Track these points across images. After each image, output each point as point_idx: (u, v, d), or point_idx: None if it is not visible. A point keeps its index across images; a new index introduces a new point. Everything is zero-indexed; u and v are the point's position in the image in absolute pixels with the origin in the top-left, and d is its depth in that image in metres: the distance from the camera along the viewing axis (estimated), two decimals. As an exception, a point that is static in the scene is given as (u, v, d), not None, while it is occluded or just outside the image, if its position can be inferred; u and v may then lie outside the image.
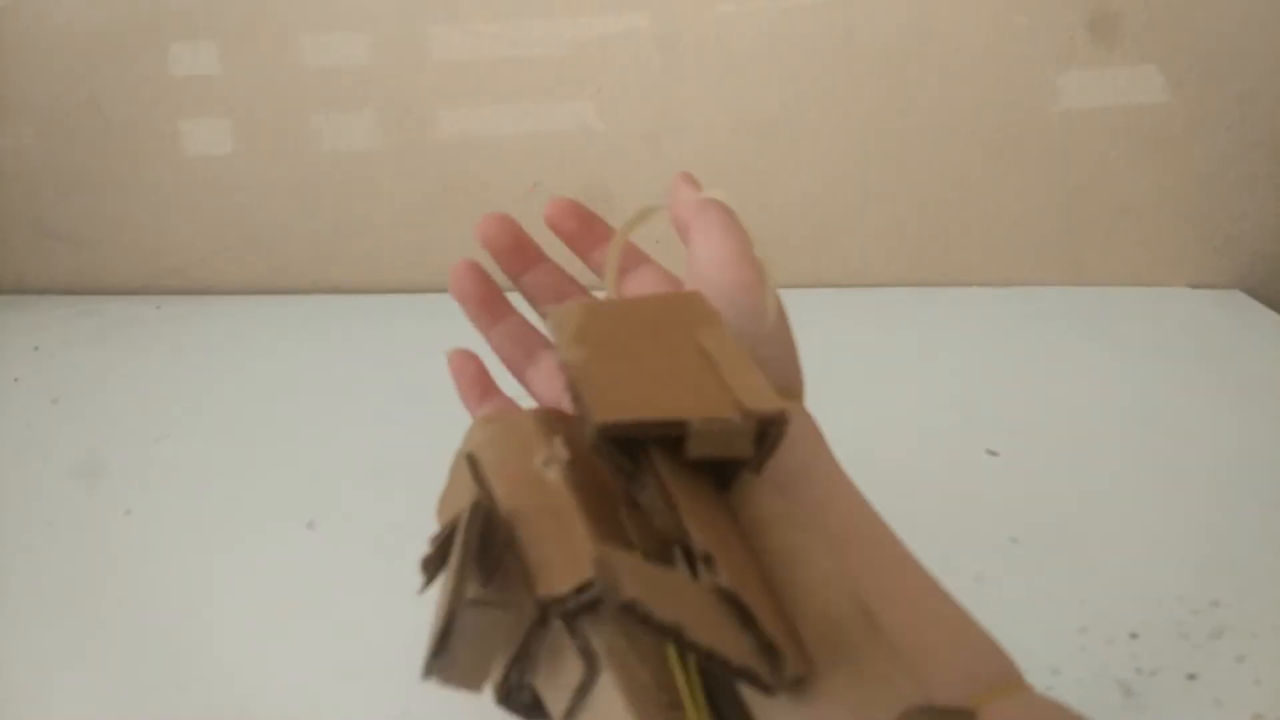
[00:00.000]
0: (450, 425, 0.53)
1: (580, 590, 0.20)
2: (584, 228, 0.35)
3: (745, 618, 0.18)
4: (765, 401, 0.22)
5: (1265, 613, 0.35)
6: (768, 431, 0.22)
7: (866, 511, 0.26)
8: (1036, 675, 0.33)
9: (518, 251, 0.34)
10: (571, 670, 0.21)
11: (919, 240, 0.68)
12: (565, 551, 0.22)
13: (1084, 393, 0.53)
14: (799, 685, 0.19)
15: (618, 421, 0.21)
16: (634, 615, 0.17)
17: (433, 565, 0.23)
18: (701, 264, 0.28)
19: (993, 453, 0.47)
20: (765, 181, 0.68)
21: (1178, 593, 0.36)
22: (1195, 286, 0.67)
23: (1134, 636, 0.34)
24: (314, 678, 0.34)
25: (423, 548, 0.41)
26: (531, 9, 0.64)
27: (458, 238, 0.73)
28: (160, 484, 0.47)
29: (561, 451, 0.25)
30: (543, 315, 0.24)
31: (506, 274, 0.35)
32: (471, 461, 0.26)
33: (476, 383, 0.34)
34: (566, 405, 0.25)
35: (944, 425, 0.50)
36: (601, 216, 0.35)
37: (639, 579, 0.17)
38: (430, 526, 0.35)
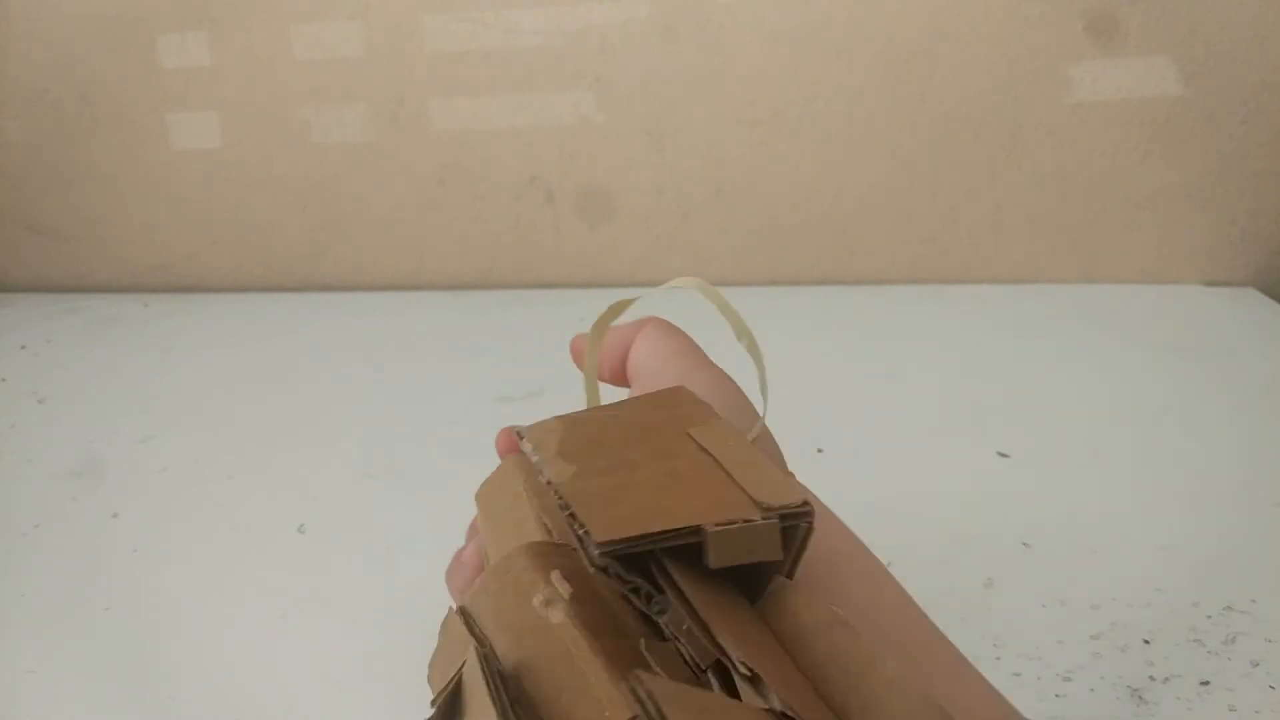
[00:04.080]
0: (445, 426, 0.53)
1: None
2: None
3: None
4: (785, 494, 0.19)
5: (1281, 618, 0.34)
6: (796, 527, 0.20)
7: (913, 611, 0.23)
8: (1049, 683, 0.32)
9: None
10: None
11: (926, 236, 0.67)
12: (586, 701, 0.19)
13: (1097, 392, 0.52)
14: None
15: (622, 537, 0.18)
16: None
17: None
18: (642, 361, 0.27)
19: (1004, 455, 0.46)
20: (768, 176, 0.67)
21: (1191, 598, 0.35)
22: (1209, 284, 0.66)
23: (1147, 643, 0.33)
24: (304, 682, 0.33)
25: (415, 560, 0.40)
26: (527, -2, 0.63)
27: (452, 234, 0.72)
28: (148, 486, 0.47)
29: (562, 587, 0.22)
30: (517, 435, 0.22)
31: None
32: (464, 615, 0.23)
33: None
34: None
35: (954, 426, 0.49)
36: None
37: (683, 707, 0.15)
38: (425, 533, 0.34)
